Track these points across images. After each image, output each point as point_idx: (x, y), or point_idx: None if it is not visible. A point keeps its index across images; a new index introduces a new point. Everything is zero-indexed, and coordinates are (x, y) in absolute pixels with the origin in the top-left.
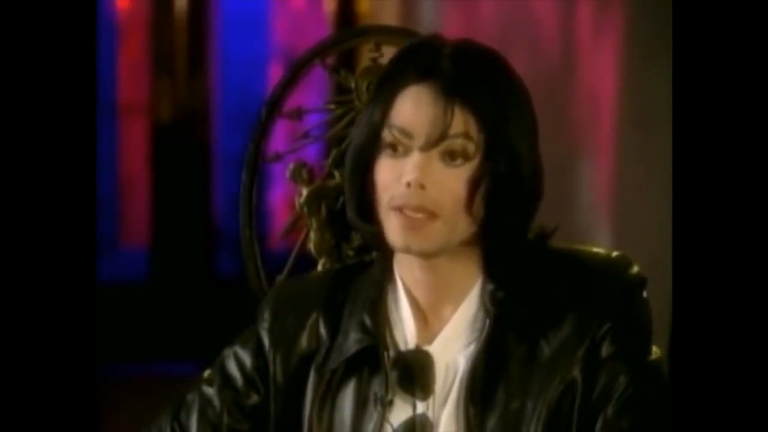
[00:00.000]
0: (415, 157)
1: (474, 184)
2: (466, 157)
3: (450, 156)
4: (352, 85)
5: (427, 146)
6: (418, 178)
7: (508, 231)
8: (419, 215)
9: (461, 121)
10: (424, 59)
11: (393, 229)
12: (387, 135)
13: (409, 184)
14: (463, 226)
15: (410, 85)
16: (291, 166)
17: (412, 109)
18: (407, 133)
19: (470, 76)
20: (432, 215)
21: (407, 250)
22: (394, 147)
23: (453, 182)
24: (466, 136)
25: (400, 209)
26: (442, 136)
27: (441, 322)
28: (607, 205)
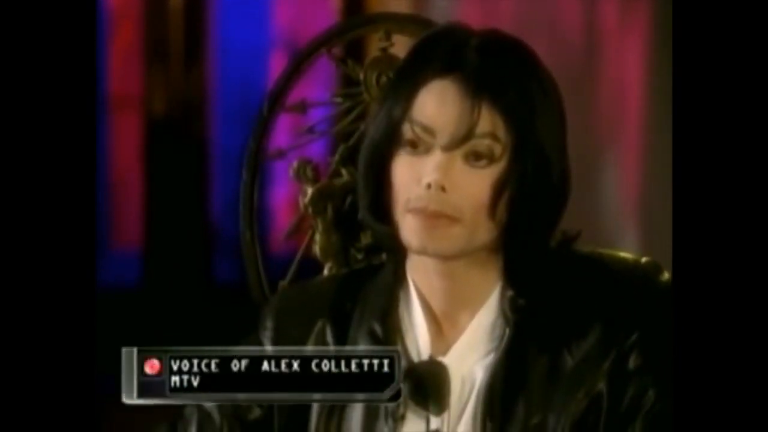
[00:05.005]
0: (437, 157)
1: (499, 189)
2: (492, 159)
3: (474, 157)
4: (361, 76)
5: (451, 146)
6: (439, 179)
7: (532, 237)
8: (438, 220)
9: (488, 121)
10: (449, 50)
11: (410, 229)
12: (407, 131)
13: (429, 186)
14: (484, 231)
15: (434, 78)
16: (295, 163)
17: (436, 105)
18: (430, 131)
19: (500, 71)
20: (452, 220)
21: (424, 252)
22: (414, 144)
23: (476, 186)
24: (493, 136)
25: (418, 212)
26: (468, 136)
27: (457, 331)
28: (634, 206)
